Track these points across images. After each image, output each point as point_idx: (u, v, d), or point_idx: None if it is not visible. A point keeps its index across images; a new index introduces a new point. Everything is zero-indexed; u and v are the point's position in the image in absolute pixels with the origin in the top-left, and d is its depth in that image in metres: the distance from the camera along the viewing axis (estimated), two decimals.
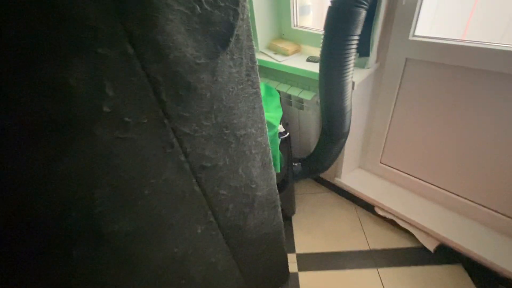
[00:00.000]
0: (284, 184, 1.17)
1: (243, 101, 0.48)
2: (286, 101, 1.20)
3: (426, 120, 1.03)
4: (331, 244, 1.23)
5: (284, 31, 1.26)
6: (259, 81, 0.50)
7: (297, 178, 1.20)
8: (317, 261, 1.17)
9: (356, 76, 0.92)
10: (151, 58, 0.34)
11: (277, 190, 0.73)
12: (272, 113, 0.98)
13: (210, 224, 0.57)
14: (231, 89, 0.45)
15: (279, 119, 0.99)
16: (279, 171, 1.01)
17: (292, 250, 1.23)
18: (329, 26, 0.76)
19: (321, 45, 0.80)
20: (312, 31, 1.13)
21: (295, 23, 1.19)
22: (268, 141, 0.61)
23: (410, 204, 1.21)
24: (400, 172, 1.25)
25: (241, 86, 0.47)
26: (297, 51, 1.18)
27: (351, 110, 0.96)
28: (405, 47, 0.90)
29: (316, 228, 1.30)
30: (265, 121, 0.56)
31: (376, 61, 0.98)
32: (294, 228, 1.31)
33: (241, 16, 0.40)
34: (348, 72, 0.81)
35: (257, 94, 0.51)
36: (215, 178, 0.52)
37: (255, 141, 0.56)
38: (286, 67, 1.11)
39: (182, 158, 0.44)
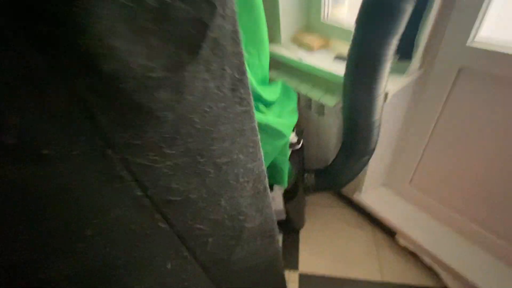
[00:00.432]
0: (294, 193, 1.05)
1: (227, 122, 0.37)
2: (306, 104, 1.05)
3: (473, 144, 0.84)
4: (339, 268, 1.10)
5: (312, 23, 1.09)
6: (251, 97, 0.38)
7: (308, 192, 1.08)
8: (320, 285, 1.06)
9: (392, 85, 0.75)
10: (76, 71, 0.24)
11: (274, 218, 0.62)
12: (285, 119, 0.86)
13: (184, 259, 0.48)
14: (207, 109, 0.34)
15: (292, 127, 0.86)
16: (286, 186, 0.89)
17: (295, 267, 1.12)
18: (362, 22, 0.60)
19: (350, 44, 0.65)
20: (344, 27, 0.96)
21: (326, 15, 1.02)
22: (263, 166, 0.49)
23: (439, 237, 1.03)
24: (431, 199, 1.07)
25: (224, 104, 0.35)
26: (324, 46, 1.02)
27: (380, 125, 0.80)
28: (460, 53, 0.71)
29: (325, 246, 1.18)
30: (259, 144, 0.45)
31: (420, 68, 0.79)
32: (300, 243, 1.20)
33: (220, 11, 0.28)
34: (381, 81, 0.65)
35: (248, 112, 0.39)
36: (187, 213, 0.42)
37: (244, 168, 0.45)
38: (308, 65, 0.96)
39: (139, 193, 0.35)
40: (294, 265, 1.13)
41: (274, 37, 1.12)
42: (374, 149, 0.87)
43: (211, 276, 0.57)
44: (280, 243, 1.22)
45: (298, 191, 1.04)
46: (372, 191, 1.21)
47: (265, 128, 0.78)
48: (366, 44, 0.60)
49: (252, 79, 0.73)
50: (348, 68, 0.68)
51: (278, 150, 0.82)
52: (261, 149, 0.46)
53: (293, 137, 0.86)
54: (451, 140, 0.89)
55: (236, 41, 0.32)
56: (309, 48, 1.02)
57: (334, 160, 0.99)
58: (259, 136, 0.44)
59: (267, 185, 0.53)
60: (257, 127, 0.42)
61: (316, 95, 0.99)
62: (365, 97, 0.68)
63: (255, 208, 0.53)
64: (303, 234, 1.23)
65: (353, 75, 0.67)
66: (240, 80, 0.35)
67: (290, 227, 1.22)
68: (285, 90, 0.99)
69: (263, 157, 0.48)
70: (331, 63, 0.93)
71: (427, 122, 0.90)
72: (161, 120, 0.31)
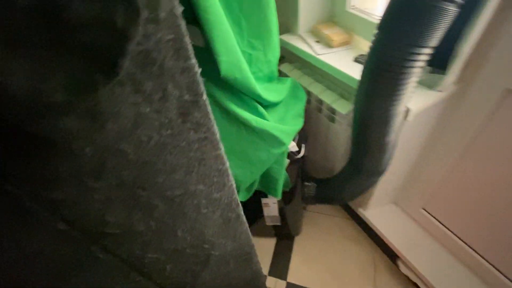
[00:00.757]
0: (290, 200, 0.97)
1: (178, 152, 0.29)
2: (317, 106, 0.94)
3: (504, 177, 0.70)
4: (330, 284, 1.04)
5: (336, 13, 0.95)
6: (212, 122, 0.30)
7: (307, 202, 0.99)
8: None
9: (417, 101, 0.63)
10: None
11: (251, 242, 0.55)
12: (286, 125, 0.76)
13: (138, 283, 0.43)
14: (144, 138, 0.26)
15: (294, 134, 0.77)
16: (279, 197, 0.82)
17: (284, 276, 1.07)
18: (387, 23, 0.48)
19: (369, 48, 0.53)
20: (371, 19, 0.81)
21: (352, 3, 0.87)
22: (234, 194, 0.41)
23: (445, 271, 0.92)
24: (443, 227, 0.95)
25: (170, 131, 0.27)
26: (346, 43, 0.88)
27: (395, 145, 0.69)
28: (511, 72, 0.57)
29: (318, 259, 1.11)
30: (226, 172, 0.37)
31: (456, 83, 0.65)
32: (293, 251, 1.14)
33: (149, 15, 0.19)
34: (401, 98, 0.53)
35: (209, 139, 0.31)
36: (133, 244, 0.36)
37: (208, 198, 0.37)
38: (323, 63, 0.83)
39: (62, 226, 0.29)
40: (283, 274, 1.08)
41: (291, 25, 0.99)
42: (385, 170, 0.76)
43: None
44: (273, 248, 1.16)
45: (294, 199, 0.96)
46: (379, 207, 1.10)
47: (261, 134, 0.70)
48: (389, 53, 0.48)
49: (250, 76, 0.63)
50: (363, 76, 0.56)
51: (274, 159, 0.74)
52: (230, 176, 0.38)
53: (293, 146, 0.77)
54: (479, 169, 0.76)
55: (182, 53, 0.23)
56: (327, 44, 0.89)
57: (339, 173, 0.88)
58: (227, 164, 0.36)
59: (241, 213, 0.46)
60: (223, 155, 0.34)
61: (328, 98, 0.87)
62: (379, 114, 0.57)
63: (225, 235, 0.47)
64: (298, 242, 1.17)
65: (367, 86, 0.55)
66: (193, 102, 0.26)
67: (285, 233, 1.16)
68: (294, 90, 0.88)
69: (233, 184, 0.40)
70: (350, 64, 0.80)
71: (455, 146, 0.77)
72: (76, 152, 0.24)
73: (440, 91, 0.64)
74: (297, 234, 1.19)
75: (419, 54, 0.46)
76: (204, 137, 0.30)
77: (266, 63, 0.75)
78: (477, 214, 0.82)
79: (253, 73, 0.74)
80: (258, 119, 0.69)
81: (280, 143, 0.71)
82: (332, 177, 0.94)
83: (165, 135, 0.27)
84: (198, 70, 0.25)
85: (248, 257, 0.58)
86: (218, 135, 0.32)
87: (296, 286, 1.04)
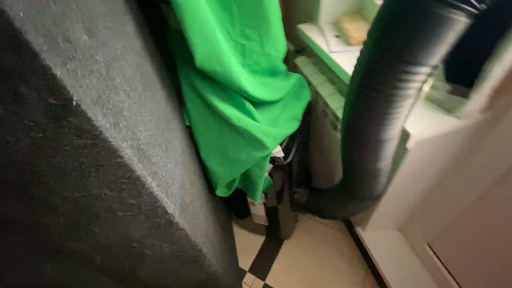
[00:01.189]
0: (281, 199, 0.92)
1: (62, 156, 0.27)
2: (323, 109, 0.85)
3: None
4: None
5: (365, 4, 0.81)
6: (99, 129, 0.26)
7: (296, 209, 0.93)
8: None
9: (426, 125, 0.51)
10: None
11: (198, 247, 0.53)
12: (275, 128, 0.69)
13: (69, 266, 0.44)
14: (11, 139, 0.24)
15: (281, 138, 0.70)
16: (257, 201, 0.77)
17: (263, 277, 1.05)
18: (378, 32, 0.38)
19: (356, 59, 0.44)
20: None
21: None
22: (160, 202, 0.38)
23: None
24: (445, 270, 0.81)
25: (42, 135, 0.25)
26: None
27: (390, 170, 0.58)
28: None
29: (303, 268, 1.06)
30: (140, 179, 0.34)
31: (483, 112, 0.51)
32: (279, 254, 1.10)
33: None
34: (392, 123, 0.43)
35: (101, 147, 0.28)
36: (47, 232, 0.36)
37: (122, 203, 0.35)
38: (333, 62, 0.73)
39: None
40: (262, 274, 1.06)
41: (313, 14, 0.88)
42: (380, 196, 0.66)
43: (117, 280, 0.53)
44: (259, 246, 1.14)
45: (283, 202, 0.90)
46: (380, 231, 0.99)
47: (243, 133, 0.65)
48: (378, 69, 0.38)
49: (234, 70, 0.57)
50: (348, 93, 0.47)
51: (254, 161, 0.69)
52: (148, 185, 0.35)
53: (277, 151, 0.70)
54: (497, 218, 0.61)
55: (25, 53, 0.20)
56: (346, 40, 0.77)
57: (332, 187, 0.80)
58: (139, 172, 0.33)
59: (174, 219, 0.43)
60: (128, 163, 0.31)
61: (335, 103, 0.77)
62: (367, 139, 0.48)
63: (159, 238, 0.45)
64: (286, 245, 1.13)
65: (352, 105, 0.46)
66: (62, 106, 0.23)
67: (274, 234, 1.12)
68: (298, 88, 0.80)
69: (155, 192, 0.37)
70: None
71: (474, 186, 0.63)
72: None
73: (459, 118, 0.51)
74: (287, 237, 1.14)
75: (416, 73, 0.36)
76: (92, 144, 0.27)
77: (264, 56, 0.68)
78: (485, 266, 0.68)
79: (248, 65, 0.68)
80: (242, 117, 0.64)
81: (262, 146, 0.65)
82: (326, 189, 0.86)
83: (37, 138, 0.25)
84: (58, 72, 0.21)
85: (197, 260, 0.56)
86: (115, 143, 0.28)
87: None
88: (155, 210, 0.39)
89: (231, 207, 1.11)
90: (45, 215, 0.33)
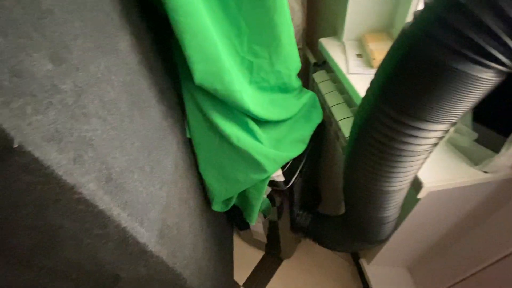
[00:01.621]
0: (275, 224, 0.88)
1: (10, 191, 0.25)
2: (335, 132, 0.79)
3: None
4: None
5: (395, 23, 0.74)
6: (50, 169, 0.25)
7: (296, 231, 0.88)
8: None
9: (444, 174, 0.44)
10: None
11: (177, 271, 0.51)
12: (280, 150, 0.65)
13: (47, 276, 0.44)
14: None
15: (283, 162, 0.66)
16: (252, 223, 0.74)
17: None
18: (384, 82, 0.32)
19: (360, 103, 0.38)
20: None
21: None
22: (130, 233, 0.36)
23: None
24: None
25: None
26: None
27: (397, 218, 0.52)
28: None
29: None
30: (103, 213, 0.32)
31: None
32: (276, 273, 1.06)
33: None
34: (400, 176, 0.37)
35: (53, 184, 0.26)
36: (19, 250, 0.35)
37: (87, 233, 0.34)
38: (349, 85, 0.67)
39: None
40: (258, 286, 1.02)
41: (337, 28, 0.82)
42: (385, 240, 0.59)
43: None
44: (257, 261, 1.11)
45: (281, 218, 0.86)
46: (386, 268, 0.91)
47: (242, 154, 0.61)
48: (383, 121, 0.33)
49: (235, 89, 0.54)
50: (350, 136, 0.42)
51: (251, 183, 0.65)
52: (114, 218, 0.33)
53: (278, 175, 0.66)
54: None
55: None
56: (368, 61, 0.70)
57: (336, 217, 0.74)
58: (102, 206, 0.31)
59: (148, 248, 0.41)
60: (88, 198, 0.29)
61: (348, 128, 0.71)
62: (368, 189, 0.42)
63: (132, 263, 0.43)
64: (284, 265, 1.08)
65: (353, 151, 0.41)
66: (4, 148, 0.22)
67: (274, 252, 1.08)
68: (309, 109, 0.75)
69: (123, 224, 0.35)
70: None
71: (499, 245, 0.54)
72: None
73: (486, 172, 0.43)
74: (287, 257, 1.09)
75: (428, 130, 0.30)
76: (45, 181, 0.25)
77: (273, 74, 0.64)
78: None
79: (256, 82, 0.64)
80: (243, 136, 0.61)
81: (261, 169, 0.62)
82: (330, 217, 0.80)
83: None
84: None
85: (176, 283, 0.54)
86: (71, 180, 0.26)
87: None
88: (125, 240, 0.37)
89: (231, 216, 1.09)
90: (8, 237, 0.32)
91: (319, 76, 0.90)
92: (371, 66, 0.69)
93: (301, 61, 0.71)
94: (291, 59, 0.63)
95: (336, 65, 0.74)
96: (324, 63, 0.99)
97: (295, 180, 0.68)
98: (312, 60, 1.00)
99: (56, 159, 0.25)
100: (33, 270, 0.42)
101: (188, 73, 0.57)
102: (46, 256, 0.38)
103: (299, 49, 0.86)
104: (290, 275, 1.05)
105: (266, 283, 1.04)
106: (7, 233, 0.31)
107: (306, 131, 0.71)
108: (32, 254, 0.37)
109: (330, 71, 0.90)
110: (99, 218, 0.32)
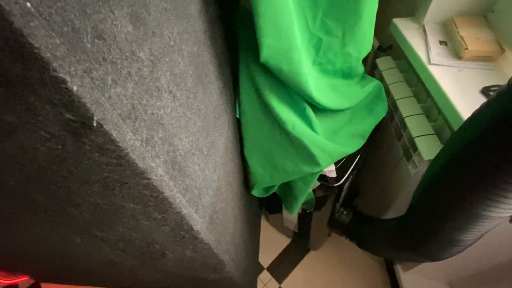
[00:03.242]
0: (309, 215, 0.83)
1: (84, 168, 0.23)
2: (397, 130, 0.70)
3: None
4: None
5: (496, 7, 0.60)
6: (125, 152, 0.21)
7: (333, 227, 0.84)
8: None
9: None
10: None
11: (219, 257, 0.49)
12: (336, 143, 0.59)
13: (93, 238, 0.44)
14: (28, 147, 0.20)
15: (338, 157, 0.60)
16: (293, 215, 0.70)
17: (279, 279, 1.02)
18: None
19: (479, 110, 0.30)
20: None
21: None
22: (189, 220, 0.34)
23: None
24: None
25: (61, 147, 0.20)
26: (487, 58, 0.57)
27: (474, 243, 0.45)
28: None
29: (322, 286, 0.99)
30: (167, 200, 0.29)
31: None
32: (301, 263, 1.05)
33: None
34: (505, 204, 0.30)
35: (126, 167, 0.23)
36: (75, 221, 0.35)
37: (147, 215, 0.31)
38: (429, 77, 0.57)
39: None
40: (280, 277, 1.02)
41: (417, 8, 0.70)
42: (443, 259, 0.53)
43: (139, 261, 0.54)
44: (284, 246, 1.09)
45: (314, 215, 0.81)
46: (424, 279, 0.85)
47: (295, 143, 0.56)
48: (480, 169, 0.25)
49: (302, 72, 0.47)
50: (456, 138, 0.34)
51: (300, 175, 0.60)
52: (176, 205, 0.30)
53: (330, 170, 0.60)
54: None
55: (32, 58, 0.14)
56: (456, 50, 0.59)
57: (384, 221, 0.68)
58: (168, 193, 0.28)
59: (200, 236, 0.38)
60: (156, 184, 0.26)
61: (417, 128, 0.62)
62: (459, 206, 0.35)
63: (181, 246, 0.41)
64: (311, 255, 1.06)
65: (458, 158, 0.33)
66: (82, 123, 0.18)
67: (302, 242, 1.06)
68: (374, 100, 0.66)
69: (183, 212, 0.32)
70: (472, 93, 0.52)
71: None
72: None
73: None
74: (315, 249, 1.07)
75: None
76: (117, 163, 0.22)
77: (342, 56, 0.56)
78: None
79: (319, 63, 0.57)
80: (298, 123, 0.55)
81: (314, 162, 0.56)
82: (376, 219, 0.74)
83: (55, 149, 0.21)
84: (75, 87, 0.16)
85: (216, 267, 0.53)
86: (143, 164, 0.23)
87: None
88: (181, 225, 0.34)
89: (263, 199, 1.07)
90: (70, 208, 0.31)
91: (383, 63, 0.79)
92: (459, 57, 0.58)
93: None
94: (365, 41, 0.55)
95: (412, 51, 0.63)
96: (389, 48, 0.88)
97: (347, 178, 0.62)
98: (376, 43, 0.88)
99: (131, 140, 0.21)
100: (85, 237, 0.42)
101: (250, 48, 0.51)
102: (100, 229, 0.37)
103: None
104: (316, 267, 1.03)
105: (290, 270, 1.03)
106: (69, 205, 0.30)
107: (367, 125, 0.63)
108: (88, 226, 0.37)
109: (398, 58, 0.79)
110: (162, 204, 0.29)
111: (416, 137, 0.60)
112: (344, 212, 0.80)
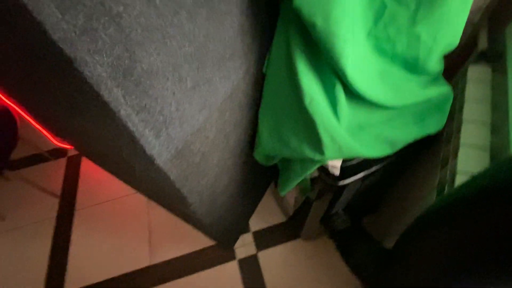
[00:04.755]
0: (319, 196, 0.77)
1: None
2: (446, 154, 0.55)
3: None
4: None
5: None
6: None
7: (326, 228, 0.77)
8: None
9: None
10: None
11: (183, 194, 0.49)
12: (355, 140, 0.49)
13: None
14: None
15: (349, 156, 0.51)
16: (282, 195, 0.66)
17: (259, 247, 1.03)
18: None
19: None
20: None
21: None
22: (140, 140, 0.33)
23: None
24: None
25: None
26: None
27: None
28: None
29: (298, 275, 0.96)
30: (112, 107, 0.28)
31: None
32: (286, 245, 1.02)
33: None
34: None
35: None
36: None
37: (104, 117, 0.31)
38: None
39: None
40: (260, 246, 1.03)
41: None
42: None
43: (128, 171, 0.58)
44: (277, 222, 1.08)
45: (313, 206, 0.75)
46: None
47: (306, 119, 0.49)
48: None
49: (340, 34, 0.38)
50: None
51: (300, 156, 0.54)
52: (119, 115, 0.29)
53: (334, 165, 0.52)
54: None
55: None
56: None
57: (378, 247, 0.59)
58: (106, 99, 0.26)
59: (155, 162, 0.38)
60: (95, 84, 0.24)
61: (466, 163, 0.48)
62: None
63: (143, 165, 0.42)
64: (297, 243, 1.02)
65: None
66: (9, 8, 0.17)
67: (295, 227, 1.02)
68: (431, 109, 0.53)
69: (131, 129, 0.31)
70: None
71: None
72: None
73: None
74: (304, 239, 1.02)
75: None
76: (46, 47, 0.21)
77: (407, 36, 0.43)
78: None
79: (376, 38, 0.46)
80: (318, 99, 0.47)
81: (318, 148, 0.49)
82: (374, 241, 0.65)
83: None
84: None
85: (182, 201, 0.54)
86: (70, 54, 0.21)
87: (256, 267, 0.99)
88: (134, 143, 0.34)
89: (273, 169, 1.03)
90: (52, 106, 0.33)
91: (476, 72, 0.61)
92: None
93: (463, 39, 0.46)
94: (447, 27, 0.41)
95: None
96: (497, 58, 0.66)
97: (353, 182, 0.53)
98: (482, 46, 0.67)
99: (53, 17, 0.20)
100: (80, 121, 0.45)
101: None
102: (82, 116, 0.39)
103: (471, 22, 0.58)
104: (297, 255, 1.00)
105: (272, 245, 1.03)
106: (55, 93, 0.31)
107: (405, 135, 0.51)
108: (70, 114, 0.39)
109: (497, 72, 0.59)
110: (106, 109, 0.28)
111: (460, 173, 0.47)
112: (342, 218, 0.73)
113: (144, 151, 0.36)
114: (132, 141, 0.34)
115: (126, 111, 0.29)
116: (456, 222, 0.23)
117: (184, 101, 0.38)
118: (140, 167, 0.44)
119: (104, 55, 0.25)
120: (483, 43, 0.67)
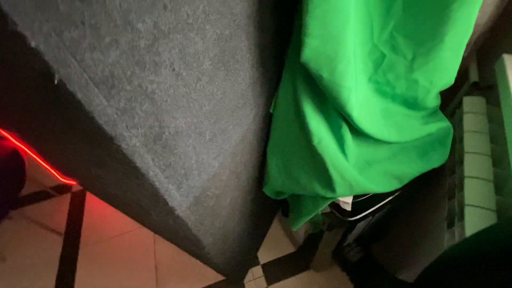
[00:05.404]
0: (330, 229, 0.77)
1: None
2: (451, 187, 0.57)
3: None
4: None
5: None
6: (91, 113, 0.22)
7: (337, 260, 0.77)
8: None
9: None
10: None
11: (199, 238, 0.50)
12: (365, 177, 0.51)
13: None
14: None
15: (359, 192, 0.52)
16: (293, 229, 0.66)
17: (270, 281, 1.00)
18: None
19: None
20: None
21: None
22: (173, 214, 0.34)
23: None
24: None
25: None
26: None
27: None
28: None
29: None
30: (158, 194, 0.30)
31: None
32: (296, 277, 1.00)
33: None
34: None
35: (131, 173, 0.24)
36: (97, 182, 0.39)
37: (128, 177, 0.33)
38: None
39: None
40: (271, 279, 1.01)
41: None
42: None
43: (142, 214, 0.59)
44: (286, 253, 1.06)
45: (324, 237, 0.75)
46: None
47: (315, 158, 0.51)
48: None
49: (345, 85, 0.41)
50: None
51: (311, 194, 0.55)
52: (152, 178, 0.31)
53: (345, 202, 0.53)
54: None
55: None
56: None
57: (393, 280, 0.59)
58: (138, 165, 0.28)
59: (176, 212, 0.39)
60: (130, 154, 0.27)
61: (473, 195, 0.49)
62: None
63: (162, 214, 0.43)
64: (308, 275, 1.00)
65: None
66: (45, 79, 0.19)
67: (304, 258, 1.01)
68: (432, 144, 0.55)
69: (169, 205, 0.33)
70: None
71: None
72: None
73: None
74: (316, 270, 1.00)
75: None
76: (86, 123, 0.23)
77: (405, 81, 0.47)
78: None
79: (376, 82, 0.49)
80: (326, 140, 0.50)
81: (329, 186, 0.51)
82: (388, 274, 0.65)
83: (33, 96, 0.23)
84: (32, 43, 0.16)
85: (196, 245, 0.54)
86: (110, 132, 0.24)
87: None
88: (157, 197, 0.36)
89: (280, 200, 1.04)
90: (95, 170, 0.35)
91: (471, 103, 0.64)
92: None
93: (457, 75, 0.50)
94: (442, 72, 0.44)
95: (509, 99, 0.49)
96: (488, 88, 0.70)
97: (364, 217, 0.54)
98: (474, 78, 0.71)
99: (100, 105, 0.22)
100: (91, 168, 0.47)
101: (299, 45, 0.47)
102: (100, 167, 0.41)
103: (463, 57, 0.61)
104: (309, 287, 0.98)
105: (282, 278, 1.01)
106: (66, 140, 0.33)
107: (411, 169, 0.53)
108: (92, 165, 0.41)
109: (491, 103, 0.63)
110: (136, 171, 0.30)
111: (468, 205, 0.48)
112: (355, 250, 0.72)
113: (167, 204, 0.37)
114: (156, 195, 0.35)
115: (154, 172, 0.31)
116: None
117: (203, 152, 0.40)
118: (158, 214, 0.45)
119: (139, 128, 0.27)
120: (474, 75, 0.71)
